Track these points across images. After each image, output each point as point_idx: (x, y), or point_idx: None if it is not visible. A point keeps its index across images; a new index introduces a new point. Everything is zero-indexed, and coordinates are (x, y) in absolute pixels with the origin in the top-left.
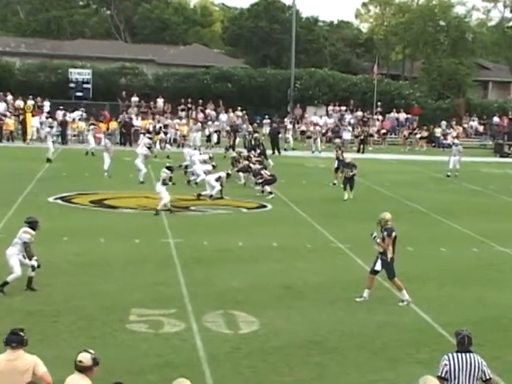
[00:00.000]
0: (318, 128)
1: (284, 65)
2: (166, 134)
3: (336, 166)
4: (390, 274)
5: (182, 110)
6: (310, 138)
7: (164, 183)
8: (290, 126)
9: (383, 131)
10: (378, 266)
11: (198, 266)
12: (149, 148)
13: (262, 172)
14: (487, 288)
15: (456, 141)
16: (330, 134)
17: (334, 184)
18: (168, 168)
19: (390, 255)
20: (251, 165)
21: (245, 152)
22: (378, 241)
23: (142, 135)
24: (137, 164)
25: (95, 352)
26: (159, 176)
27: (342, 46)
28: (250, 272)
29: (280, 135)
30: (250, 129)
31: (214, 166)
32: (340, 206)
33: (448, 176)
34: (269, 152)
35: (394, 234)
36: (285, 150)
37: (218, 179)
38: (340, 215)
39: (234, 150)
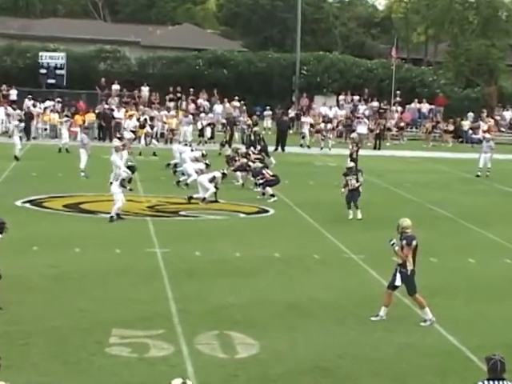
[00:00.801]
0: (329, 125)
1: (288, 48)
2: (152, 127)
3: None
4: (411, 289)
5: (171, 99)
6: (318, 132)
7: (122, 184)
8: (306, 120)
9: (402, 124)
10: (398, 281)
11: (189, 280)
12: (119, 138)
13: (263, 171)
14: None
15: (487, 135)
16: (341, 127)
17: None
18: (130, 168)
19: (410, 267)
20: (250, 163)
21: (243, 148)
22: (396, 249)
23: (124, 129)
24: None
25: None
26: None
27: (355, 26)
28: (248, 287)
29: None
30: (249, 122)
31: (207, 165)
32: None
33: (478, 176)
34: (271, 148)
35: (414, 242)
36: (301, 146)
37: (213, 180)
38: (353, 221)
39: (230, 147)
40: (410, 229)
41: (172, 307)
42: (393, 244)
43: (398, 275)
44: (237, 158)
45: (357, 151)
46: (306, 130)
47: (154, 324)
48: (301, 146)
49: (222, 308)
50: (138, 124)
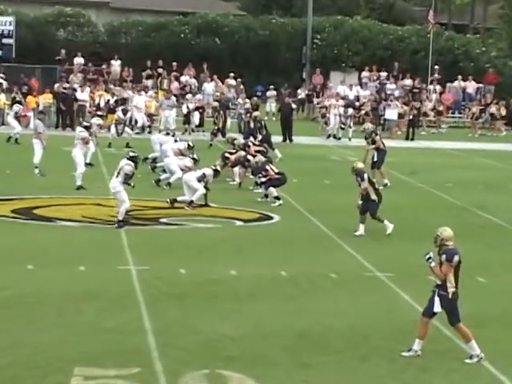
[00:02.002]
0: (350, 110)
1: (297, 11)
2: (124, 112)
3: (375, 158)
4: (453, 317)
5: (149, 76)
6: (324, 116)
7: (126, 181)
8: (330, 102)
9: (442, 108)
10: (436, 306)
11: (172, 305)
12: (86, 128)
13: (267, 167)
14: None
15: None
16: (364, 111)
17: (386, 185)
18: (132, 159)
19: (451, 289)
20: (249, 157)
21: (240, 139)
22: (432, 265)
23: (89, 115)
24: (74, 156)
25: None
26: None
27: None
28: (247, 314)
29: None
30: (248, 105)
31: (195, 160)
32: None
33: None
34: (276, 139)
35: (456, 258)
36: (329, 136)
37: (202, 178)
38: (379, 231)
39: (224, 136)
40: (451, 241)
41: (150, 339)
42: (429, 259)
43: (437, 299)
44: (232, 151)
45: (380, 139)
46: (331, 115)
47: (127, 361)
48: (329, 136)
49: (213, 341)
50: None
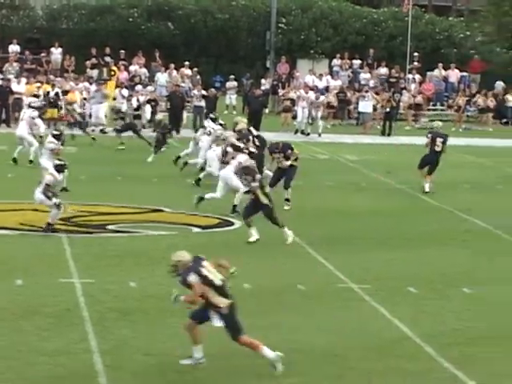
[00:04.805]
0: (320, 100)
1: None
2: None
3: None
4: (234, 332)
5: (94, 66)
6: (287, 111)
7: (45, 193)
8: (298, 94)
9: (421, 99)
10: (216, 321)
11: (121, 323)
12: (56, 137)
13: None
14: None
15: None
16: (335, 103)
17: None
18: (56, 137)
19: (222, 305)
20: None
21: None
22: (182, 299)
23: (26, 107)
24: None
25: None
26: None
27: None
28: (206, 332)
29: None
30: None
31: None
32: (353, 223)
33: None
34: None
35: (192, 276)
36: (302, 132)
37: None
38: (353, 238)
39: (178, 133)
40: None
41: (97, 362)
42: (176, 300)
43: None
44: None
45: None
46: (299, 108)
47: None
48: (296, 131)
49: (169, 363)
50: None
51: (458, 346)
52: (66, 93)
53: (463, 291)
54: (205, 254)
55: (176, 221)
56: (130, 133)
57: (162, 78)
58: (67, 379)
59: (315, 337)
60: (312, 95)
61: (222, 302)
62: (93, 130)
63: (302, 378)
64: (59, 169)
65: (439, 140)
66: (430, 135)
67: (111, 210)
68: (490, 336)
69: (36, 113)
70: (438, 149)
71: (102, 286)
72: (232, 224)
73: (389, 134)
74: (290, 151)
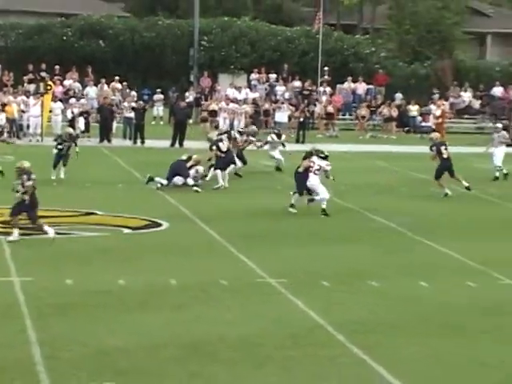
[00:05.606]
0: (231, 105)
1: (182, 13)
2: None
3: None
4: None
5: (31, 81)
6: (205, 121)
7: None
8: (220, 106)
9: (332, 110)
10: None
11: (58, 317)
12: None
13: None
14: (492, 343)
15: (498, 125)
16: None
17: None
18: None
19: None
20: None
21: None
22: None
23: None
24: None
25: None
26: None
27: None
28: (137, 324)
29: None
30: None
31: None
32: (271, 223)
33: (496, 178)
34: (165, 144)
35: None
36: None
37: None
38: (270, 237)
39: (109, 142)
40: None
41: (35, 352)
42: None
43: None
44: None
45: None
46: (221, 118)
47: (9, 375)
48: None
49: (102, 353)
50: None
51: (366, 334)
52: (3, 106)
53: (371, 284)
54: (135, 253)
55: (108, 222)
56: None
57: (91, 91)
58: (7, 370)
59: (237, 328)
60: (233, 106)
61: None
62: (30, 140)
63: (224, 364)
64: None
65: (443, 148)
66: (434, 148)
67: (48, 214)
68: (394, 325)
69: None
70: (445, 156)
71: (40, 284)
72: (160, 225)
73: (303, 142)
74: None
